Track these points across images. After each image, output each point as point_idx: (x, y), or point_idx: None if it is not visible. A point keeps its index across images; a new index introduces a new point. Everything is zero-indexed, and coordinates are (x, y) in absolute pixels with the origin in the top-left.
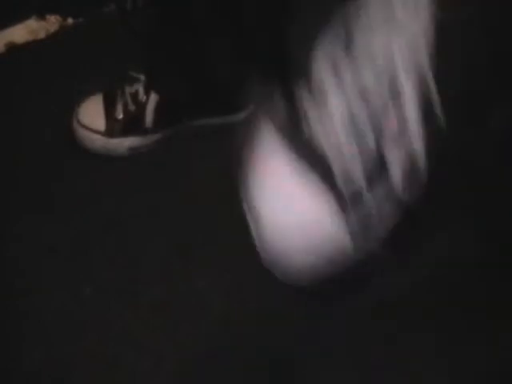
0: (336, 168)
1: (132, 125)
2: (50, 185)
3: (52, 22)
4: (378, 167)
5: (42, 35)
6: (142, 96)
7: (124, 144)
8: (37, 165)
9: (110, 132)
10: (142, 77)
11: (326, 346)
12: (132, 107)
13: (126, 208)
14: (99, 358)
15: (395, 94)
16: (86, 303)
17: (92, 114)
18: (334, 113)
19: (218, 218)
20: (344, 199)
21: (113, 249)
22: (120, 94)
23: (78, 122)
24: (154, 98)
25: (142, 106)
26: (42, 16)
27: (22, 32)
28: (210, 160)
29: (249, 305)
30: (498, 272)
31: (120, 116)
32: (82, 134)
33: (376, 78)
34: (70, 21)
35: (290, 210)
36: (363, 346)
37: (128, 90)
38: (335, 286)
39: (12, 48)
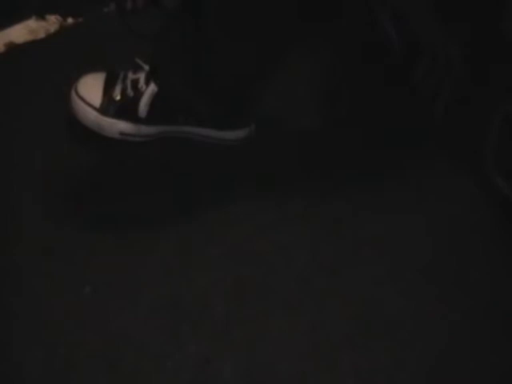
0: None
1: (126, 109)
2: (50, 185)
3: (52, 22)
4: None
5: (41, 35)
6: (141, 84)
7: (115, 126)
8: (36, 165)
9: (103, 110)
10: (147, 67)
11: None
12: (130, 92)
13: (127, 207)
14: (99, 358)
15: None
16: (85, 303)
17: (90, 87)
18: None
19: (218, 217)
20: None
21: (113, 249)
22: (122, 78)
23: (76, 92)
24: (152, 89)
25: (139, 94)
26: (41, 16)
27: (21, 32)
28: (203, 165)
29: (249, 305)
30: None
31: (117, 97)
32: (77, 105)
33: None
34: (70, 21)
35: None
36: None
37: (131, 76)
38: None
39: (12, 48)
